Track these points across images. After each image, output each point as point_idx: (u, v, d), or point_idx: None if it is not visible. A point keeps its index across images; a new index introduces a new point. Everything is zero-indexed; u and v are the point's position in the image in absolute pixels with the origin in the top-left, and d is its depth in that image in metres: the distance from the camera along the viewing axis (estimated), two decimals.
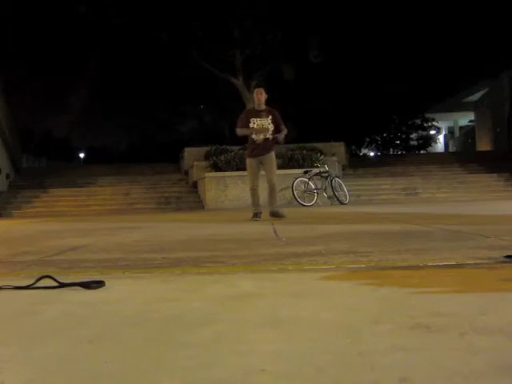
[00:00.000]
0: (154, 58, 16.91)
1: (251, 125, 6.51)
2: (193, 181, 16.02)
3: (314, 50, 15.63)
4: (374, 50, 17.29)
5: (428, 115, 32.17)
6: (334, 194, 13.01)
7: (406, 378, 0.86)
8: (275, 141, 6.65)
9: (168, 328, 1.27)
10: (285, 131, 6.68)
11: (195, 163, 15.91)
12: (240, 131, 6.70)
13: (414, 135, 32.39)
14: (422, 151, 32.15)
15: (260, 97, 6.57)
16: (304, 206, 12.11)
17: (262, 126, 6.50)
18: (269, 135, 6.50)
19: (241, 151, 13.58)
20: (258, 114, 6.55)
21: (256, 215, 6.55)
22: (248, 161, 6.74)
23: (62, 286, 1.83)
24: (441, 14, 16.17)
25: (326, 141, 17.96)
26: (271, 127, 6.51)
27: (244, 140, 7.06)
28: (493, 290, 1.60)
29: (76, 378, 0.93)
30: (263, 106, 6.59)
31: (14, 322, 1.42)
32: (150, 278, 2.08)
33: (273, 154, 6.68)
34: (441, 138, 40.15)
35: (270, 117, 6.52)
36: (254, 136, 6.52)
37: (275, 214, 6.54)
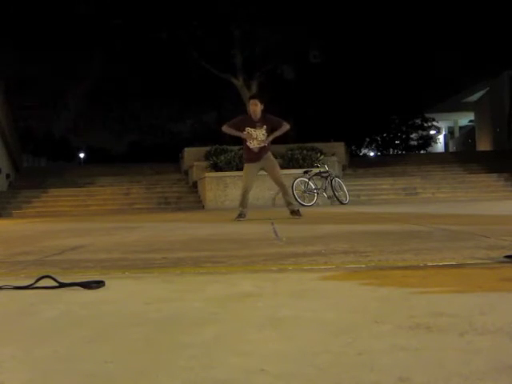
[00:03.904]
0: (153, 58, 16.91)
1: (247, 134, 6.63)
2: (193, 181, 16.02)
3: (314, 50, 15.62)
4: (374, 49, 17.29)
5: (428, 115, 32.18)
6: (334, 194, 13.01)
7: (406, 378, 0.86)
8: (270, 143, 6.73)
9: (168, 328, 1.27)
10: (285, 127, 6.70)
11: (195, 163, 15.91)
12: (228, 129, 6.80)
13: (414, 135, 32.43)
14: (421, 151, 32.18)
15: (255, 108, 6.64)
16: (304, 206, 12.11)
17: (257, 136, 6.61)
18: (264, 144, 6.63)
19: (241, 151, 13.56)
20: (253, 124, 6.64)
21: (240, 215, 6.70)
22: (246, 166, 6.84)
23: (61, 286, 1.83)
24: (441, 13, 16.16)
25: (326, 141, 17.96)
26: (265, 137, 6.63)
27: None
28: (493, 289, 1.60)
29: (76, 378, 0.93)
30: (259, 116, 6.67)
31: (14, 321, 1.42)
32: (150, 278, 2.08)
33: (271, 156, 6.79)
34: (441, 137, 40.17)
35: (265, 127, 6.63)
36: (249, 144, 6.64)
37: (296, 213, 6.68)
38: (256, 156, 6.66)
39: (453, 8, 15.88)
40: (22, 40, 17.24)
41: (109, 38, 16.13)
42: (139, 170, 19.22)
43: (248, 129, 6.61)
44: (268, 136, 6.63)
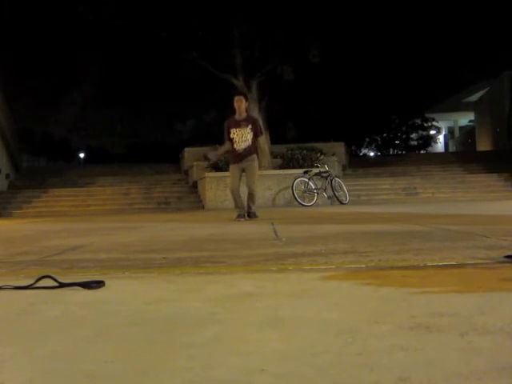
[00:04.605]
0: (153, 58, 16.89)
1: (231, 135, 6.73)
2: (193, 181, 16.03)
3: (314, 50, 15.60)
4: (374, 50, 17.28)
5: (428, 115, 32.19)
6: (334, 194, 13.01)
7: (406, 378, 0.86)
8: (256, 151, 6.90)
9: (168, 328, 1.27)
10: (260, 139, 6.88)
11: (195, 163, 15.92)
12: (228, 145, 6.95)
13: (414, 135, 32.43)
14: (422, 151, 32.18)
15: (240, 104, 6.69)
16: (304, 205, 12.12)
17: (242, 135, 6.68)
18: (249, 143, 6.71)
19: None
20: (237, 124, 6.72)
21: (240, 216, 6.80)
22: (231, 167, 7.01)
23: (61, 285, 1.83)
24: (441, 13, 16.14)
25: (326, 141, 17.96)
26: (250, 136, 6.69)
27: None
28: (493, 289, 1.60)
29: (76, 378, 0.93)
30: (244, 115, 6.75)
31: (14, 322, 1.42)
32: (149, 278, 2.08)
33: (255, 163, 6.88)
34: (441, 137, 40.19)
35: (250, 126, 6.68)
36: (235, 146, 6.74)
37: (251, 215, 6.85)
38: (239, 157, 6.78)
39: (453, 8, 15.87)
40: (20, 38, 17.24)
41: (108, 38, 16.12)
42: (139, 170, 19.23)
43: (233, 130, 6.69)
44: (252, 135, 6.70)
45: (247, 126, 6.66)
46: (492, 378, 0.85)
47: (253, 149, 6.78)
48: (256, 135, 6.72)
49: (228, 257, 2.67)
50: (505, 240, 2.94)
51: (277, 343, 1.09)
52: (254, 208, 6.96)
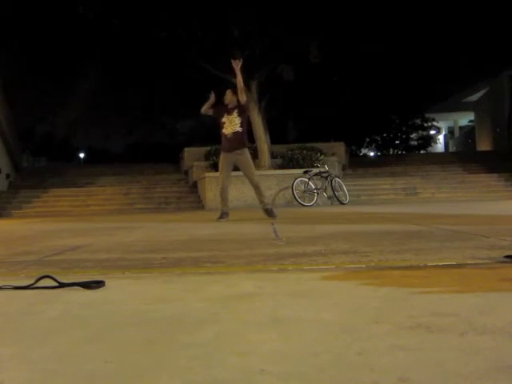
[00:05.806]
0: (153, 58, 16.89)
1: (223, 119, 6.87)
2: (193, 181, 16.03)
3: (314, 50, 15.60)
4: (374, 49, 17.28)
5: (428, 115, 32.20)
6: (334, 194, 13.02)
7: (406, 378, 0.86)
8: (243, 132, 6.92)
9: (168, 328, 1.27)
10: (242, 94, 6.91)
11: (195, 163, 15.92)
12: (206, 109, 6.97)
13: (413, 135, 32.44)
14: (422, 151, 32.19)
15: (231, 97, 6.89)
16: (304, 205, 12.12)
17: (231, 122, 6.84)
18: (238, 128, 6.81)
19: None
20: (228, 110, 6.91)
21: (222, 216, 6.82)
22: (222, 156, 7.00)
23: (61, 286, 1.83)
24: (440, 13, 16.15)
25: (326, 141, 17.98)
26: (238, 120, 6.85)
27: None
28: (493, 289, 1.60)
29: (76, 378, 0.93)
30: (232, 105, 6.91)
31: (14, 321, 1.42)
32: (150, 278, 2.08)
33: (247, 154, 6.90)
34: (441, 138, 40.20)
35: (236, 110, 6.85)
36: (224, 130, 6.86)
37: (268, 212, 6.80)
38: (228, 144, 6.80)
39: (452, 8, 15.87)
40: (21, 38, 17.25)
41: (108, 38, 16.12)
42: (139, 170, 19.23)
43: (225, 114, 6.86)
44: (241, 120, 6.81)
45: (234, 111, 6.82)
46: (492, 377, 0.85)
47: (242, 141, 6.84)
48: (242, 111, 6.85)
49: (228, 257, 2.67)
50: (505, 240, 2.94)
51: (277, 343, 1.09)
52: (266, 201, 6.97)
